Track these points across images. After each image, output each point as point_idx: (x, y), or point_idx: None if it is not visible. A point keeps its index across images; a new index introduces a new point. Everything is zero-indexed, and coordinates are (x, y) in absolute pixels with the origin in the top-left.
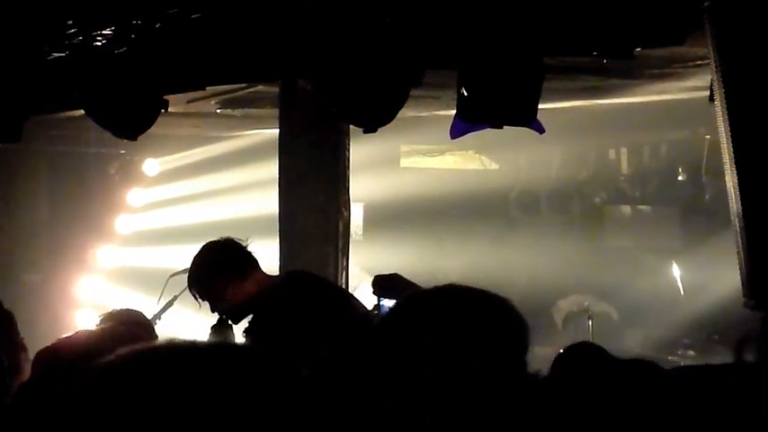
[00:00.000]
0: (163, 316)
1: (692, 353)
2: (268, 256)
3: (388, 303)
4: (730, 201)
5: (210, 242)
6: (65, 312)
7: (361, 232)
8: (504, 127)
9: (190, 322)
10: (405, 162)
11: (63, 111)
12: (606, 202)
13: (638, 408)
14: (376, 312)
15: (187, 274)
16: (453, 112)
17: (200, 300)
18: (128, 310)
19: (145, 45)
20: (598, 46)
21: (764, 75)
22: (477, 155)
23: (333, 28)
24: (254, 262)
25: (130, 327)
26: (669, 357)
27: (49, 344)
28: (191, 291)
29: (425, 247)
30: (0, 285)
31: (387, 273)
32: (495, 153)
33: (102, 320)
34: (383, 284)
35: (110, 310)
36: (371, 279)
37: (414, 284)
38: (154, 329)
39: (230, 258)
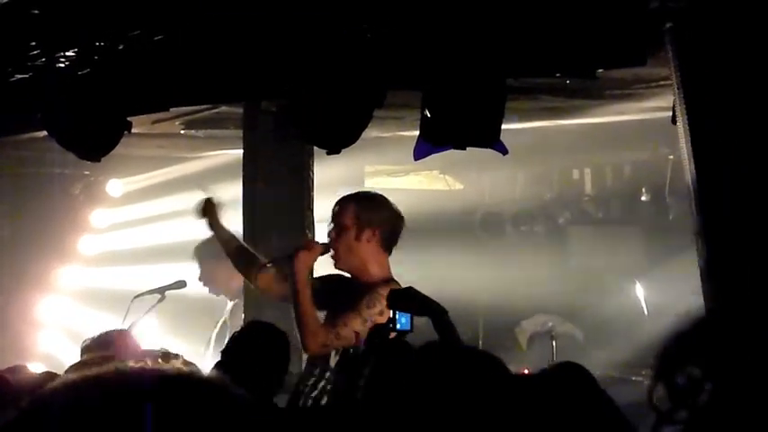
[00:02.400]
0: None
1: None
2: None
3: (404, 317)
4: (693, 221)
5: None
6: (27, 333)
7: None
8: (468, 148)
9: (153, 344)
10: (369, 182)
11: (26, 132)
12: (570, 223)
13: None
14: (391, 326)
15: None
16: (417, 132)
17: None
18: (107, 333)
19: (108, 66)
20: (560, 67)
21: (725, 95)
22: (441, 175)
23: (296, 50)
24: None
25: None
26: (634, 378)
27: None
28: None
29: (390, 266)
30: None
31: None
32: (460, 173)
33: (84, 349)
34: (398, 298)
35: (90, 336)
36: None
37: (428, 298)
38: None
39: (395, 225)
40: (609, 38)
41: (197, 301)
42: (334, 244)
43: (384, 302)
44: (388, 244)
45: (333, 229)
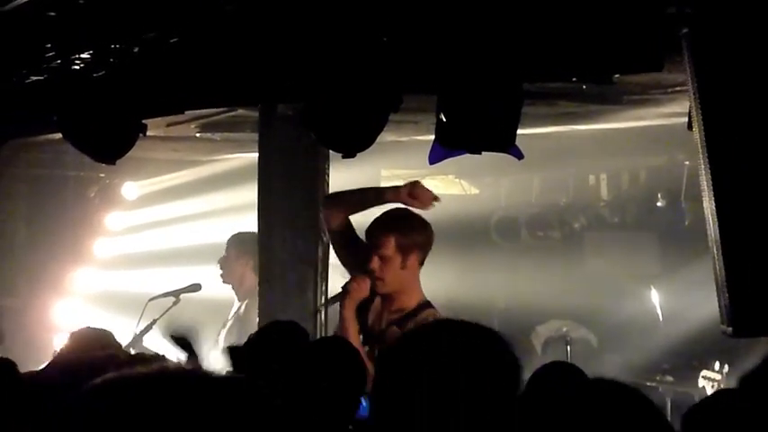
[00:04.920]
0: (142, 340)
1: (670, 378)
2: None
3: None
4: (708, 227)
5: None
6: (43, 336)
7: None
8: (483, 152)
9: (169, 346)
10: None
11: (41, 134)
12: (586, 228)
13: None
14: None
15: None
16: (432, 136)
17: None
18: (89, 329)
19: (124, 69)
20: (577, 72)
21: (742, 101)
22: (457, 180)
23: (312, 53)
24: None
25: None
26: (648, 383)
27: (27, 369)
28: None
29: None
30: None
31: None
32: (476, 178)
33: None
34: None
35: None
36: None
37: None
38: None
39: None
40: (625, 43)
41: (212, 304)
42: (380, 273)
43: None
44: (424, 260)
45: (376, 260)
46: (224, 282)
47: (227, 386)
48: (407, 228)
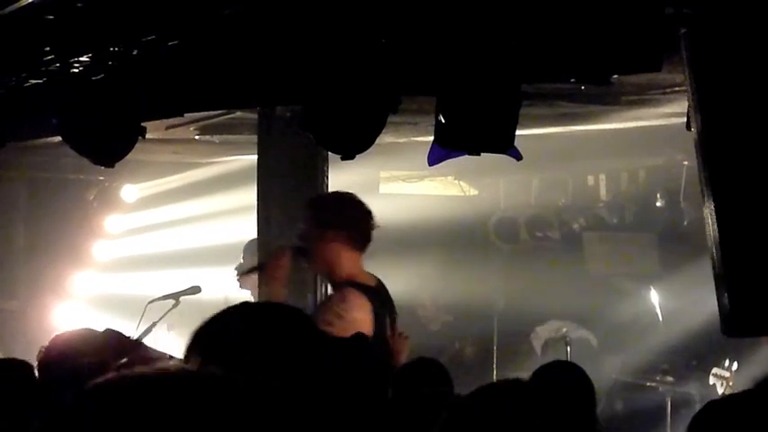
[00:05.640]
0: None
1: (670, 379)
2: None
3: None
4: (707, 227)
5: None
6: (43, 339)
7: None
8: (482, 154)
9: (169, 349)
10: (384, 188)
11: (40, 137)
12: (585, 229)
13: None
14: None
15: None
16: (431, 138)
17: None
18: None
19: (123, 71)
20: (575, 72)
21: (740, 101)
22: (456, 181)
23: (311, 55)
24: (367, 243)
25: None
26: (648, 383)
27: None
28: (306, 211)
29: (404, 272)
30: None
31: None
32: (475, 179)
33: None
34: None
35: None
36: None
37: None
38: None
39: (359, 222)
40: (624, 43)
41: (212, 307)
42: (304, 247)
43: (341, 305)
44: (357, 243)
45: (299, 234)
46: (241, 287)
47: (230, 386)
48: (328, 204)
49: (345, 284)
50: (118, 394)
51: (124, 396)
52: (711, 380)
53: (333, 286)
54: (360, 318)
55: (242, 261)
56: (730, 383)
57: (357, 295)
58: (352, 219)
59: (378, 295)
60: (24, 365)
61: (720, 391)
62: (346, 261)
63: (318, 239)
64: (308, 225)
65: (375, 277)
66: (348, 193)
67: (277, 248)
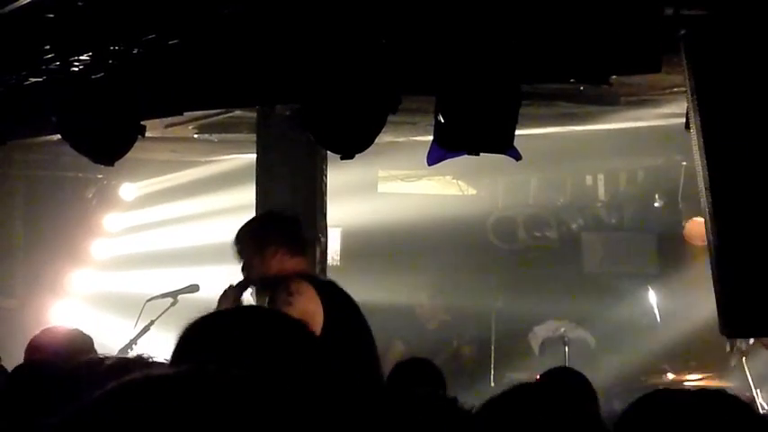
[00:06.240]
0: (139, 341)
1: (668, 379)
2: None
3: None
4: (705, 228)
5: (276, 212)
6: None
7: (338, 258)
8: (481, 153)
9: (167, 348)
10: (382, 187)
11: (40, 135)
12: (583, 229)
13: None
14: None
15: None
16: (430, 137)
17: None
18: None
19: (122, 70)
20: (575, 73)
21: (739, 102)
22: (454, 180)
23: (310, 54)
24: (305, 247)
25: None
26: (645, 383)
27: None
28: (236, 245)
29: (403, 271)
30: None
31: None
32: (473, 179)
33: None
34: None
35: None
36: None
37: None
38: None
39: (290, 232)
40: (623, 44)
41: (210, 305)
42: (251, 276)
43: (288, 292)
44: (295, 248)
45: (243, 267)
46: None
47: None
48: (258, 229)
49: (293, 276)
50: (139, 394)
51: (145, 397)
52: (727, 347)
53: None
54: (310, 309)
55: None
56: (745, 357)
57: (306, 286)
58: (281, 228)
59: (330, 292)
60: (34, 366)
61: (733, 363)
62: (292, 265)
63: (261, 260)
64: (245, 254)
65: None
66: (265, 213)
67: (225, 291)
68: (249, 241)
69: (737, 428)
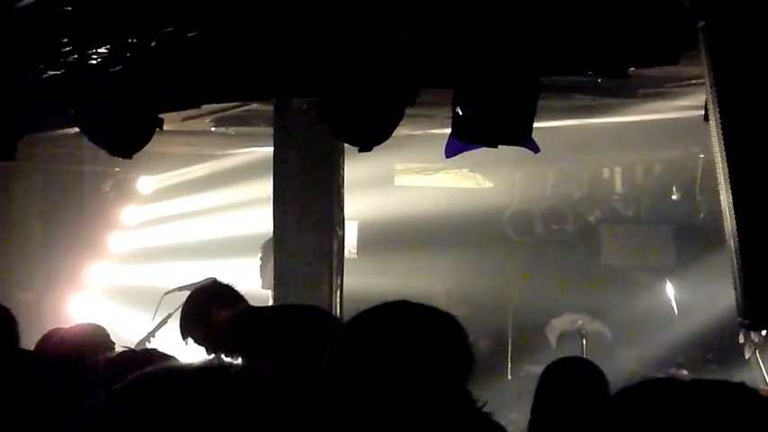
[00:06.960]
0: (157, 334)
1: (685, 372)
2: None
3: None
4: (725, 220)
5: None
6: None
7: (355, 250)
8: (500, 146)
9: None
10: (399, 180)
11: (58, 128)
12: (600, 221)
13: None
14: None
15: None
16: (448, 130)
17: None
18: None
19: (140, 63)
20: (593, 65)
21: (759, 94)
22: (471, 173)
23: (328, 47)
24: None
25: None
26: (663, 377)
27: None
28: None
29: (419, 265)
30: None
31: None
32: (490, 171)
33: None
34: None
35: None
36: None
37: None
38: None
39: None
40: (641, 36)
41: None
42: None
43: None
44: (235, 303)
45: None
46: (263, 288)
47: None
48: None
49: None
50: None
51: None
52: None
53: None
54: None
55: (260, 262)
56: (759, 349)
57: None
58: (214, 293)
59: None
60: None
61: (747, 355)
62: None
63: (209, 325)
64: (196, 328)
65: None
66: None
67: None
68: (194, 320)
69: (753, 422)
